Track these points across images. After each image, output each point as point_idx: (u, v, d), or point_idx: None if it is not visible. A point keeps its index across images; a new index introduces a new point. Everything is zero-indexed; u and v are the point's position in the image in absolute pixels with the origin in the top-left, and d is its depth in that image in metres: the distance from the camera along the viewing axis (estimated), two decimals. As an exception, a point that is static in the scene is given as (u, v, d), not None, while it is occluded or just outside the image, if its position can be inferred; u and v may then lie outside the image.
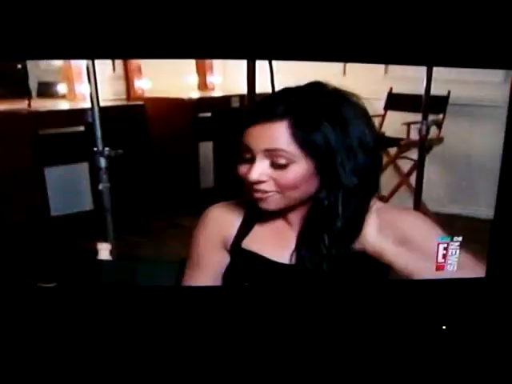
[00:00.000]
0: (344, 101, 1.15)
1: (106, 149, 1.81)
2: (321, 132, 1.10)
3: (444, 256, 1.33)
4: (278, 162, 1.10)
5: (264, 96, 1.51)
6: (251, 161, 1.11)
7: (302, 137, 1.09)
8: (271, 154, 1.09)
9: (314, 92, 1.14)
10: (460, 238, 1.33)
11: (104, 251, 1.56)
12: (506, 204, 1.45)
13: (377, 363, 1.38)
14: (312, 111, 1.10)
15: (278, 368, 1.36)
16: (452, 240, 1.33)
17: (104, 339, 1.36)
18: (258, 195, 1.13)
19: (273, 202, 1.14)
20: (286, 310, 1.44)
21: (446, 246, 1.32)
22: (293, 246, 1.21)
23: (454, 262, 1.34)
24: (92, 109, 1.78)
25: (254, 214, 1.22)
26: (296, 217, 1.19)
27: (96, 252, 1.58)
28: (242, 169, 1.13)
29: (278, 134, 1.09)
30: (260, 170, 1.10)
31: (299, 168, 1.10)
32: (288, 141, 1.09)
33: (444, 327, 1.46)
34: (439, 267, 1.33)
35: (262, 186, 1.12)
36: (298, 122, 1.09)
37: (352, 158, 1.14)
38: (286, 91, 1.17)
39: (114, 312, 1.39)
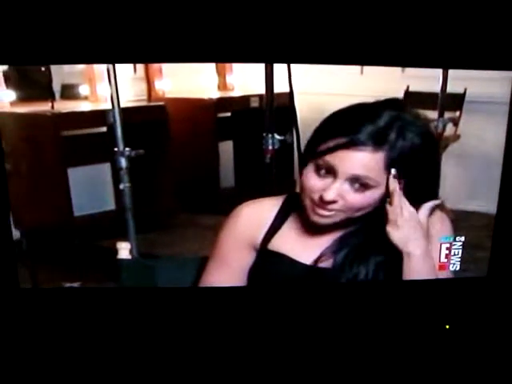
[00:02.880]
0: (424, 124, 1.14)
1: (127, 149, 1.85)
2: (413, 159, 1.10)
3: (447, 256, 1.33)
4: (359, 185, 1.09)
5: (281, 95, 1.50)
6: (328, 177, 1.10)
7: (394, 165, 1.09)
8: (356, 178, 1.09)
9: (401, 116, 1.11)
10: (462, 238, 1.33)
11: (124, 250, 1.57)
12: (506, 205, 1.46)
13: (381, 361, 1.40)
14: (406, 142, 1.09)
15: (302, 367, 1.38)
16: (455, 240, 1.33)
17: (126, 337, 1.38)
18: (320, 211, 1.12)
19: (331, 218, 1.13)
20: (309, 310, 1.45)
21: (448, 245, 1.32)
22: (323, 248, 1.21)
23: (456, 261, 1.34)
24: (112, 109, 1.82)
25: (285, 214, 1.22)
26: (333, 223, 1.18)
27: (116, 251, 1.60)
28: (314, 182, 1.11)
29: (372, 164, 1.08)
30: (339, 191, 1.09)
31: (377, 191, 1.10)
32: (380, 170, 1.09)
33: (447, 326, 1.46)
34: (442, 267, 1.32)
35: (331, 205, 1.11)
36: (393, 153, 1.08)
37: (428, 177, 1.13)
38: (369, 110, 1.13)
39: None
